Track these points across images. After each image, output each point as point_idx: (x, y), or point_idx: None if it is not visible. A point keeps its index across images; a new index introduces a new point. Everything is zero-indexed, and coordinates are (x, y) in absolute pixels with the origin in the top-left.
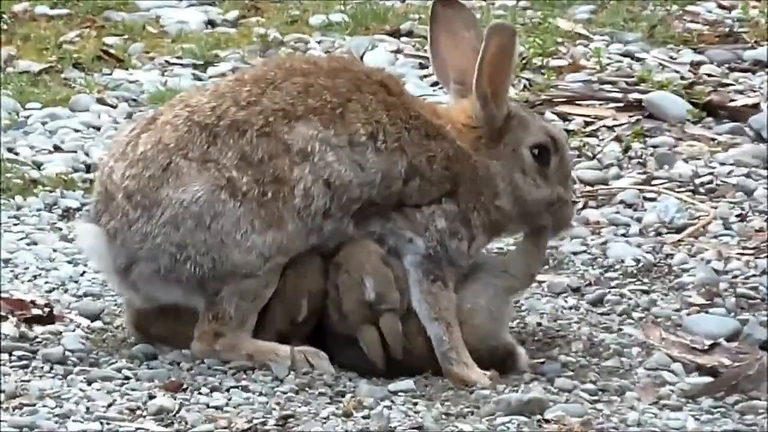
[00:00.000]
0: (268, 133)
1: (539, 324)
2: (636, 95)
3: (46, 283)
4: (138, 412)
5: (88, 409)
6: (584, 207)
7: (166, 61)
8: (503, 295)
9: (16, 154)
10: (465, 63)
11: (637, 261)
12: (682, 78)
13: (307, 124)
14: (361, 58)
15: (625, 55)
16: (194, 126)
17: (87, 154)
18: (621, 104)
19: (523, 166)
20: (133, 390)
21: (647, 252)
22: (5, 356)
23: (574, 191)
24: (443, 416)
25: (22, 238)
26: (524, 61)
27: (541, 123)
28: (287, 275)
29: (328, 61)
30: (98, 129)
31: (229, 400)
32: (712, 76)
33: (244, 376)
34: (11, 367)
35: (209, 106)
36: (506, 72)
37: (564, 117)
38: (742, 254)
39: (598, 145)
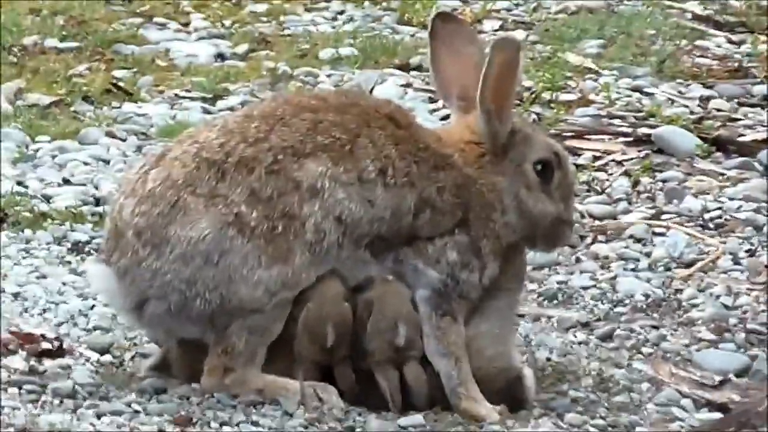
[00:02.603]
0: (278, 171)
1: (548, 359)
2: (645, 130)
3: (56, 316)
4: None
5: None
6: (593, 241)
7: (176, 95)
8: (507, 313)
9: (26, 187)
10: (467, 78)
11: (647, 296)
12: (691, 113)
13: (316, 161)
14: (371, 92)
15: (634, 89)
16: (203, 162)
17: (96, 188)
18: (630, 139)
19: (528, 182)
20: (142, 424)
21: (656, 287)
22: (15, 390)
23: (574, 210)
24: None
25: (31, 272)
26: (534, 96)
27: (545, 139)
28: (308, 306)
29: (336, 97)
30: (107, 162)
31: None
32: (721, 110)
33: (254, 411)
34: (21, 401)
35: (218, 142)
36: (510, 87)
37: (573, 151)
38: (752, 290)
39: (607, 180)
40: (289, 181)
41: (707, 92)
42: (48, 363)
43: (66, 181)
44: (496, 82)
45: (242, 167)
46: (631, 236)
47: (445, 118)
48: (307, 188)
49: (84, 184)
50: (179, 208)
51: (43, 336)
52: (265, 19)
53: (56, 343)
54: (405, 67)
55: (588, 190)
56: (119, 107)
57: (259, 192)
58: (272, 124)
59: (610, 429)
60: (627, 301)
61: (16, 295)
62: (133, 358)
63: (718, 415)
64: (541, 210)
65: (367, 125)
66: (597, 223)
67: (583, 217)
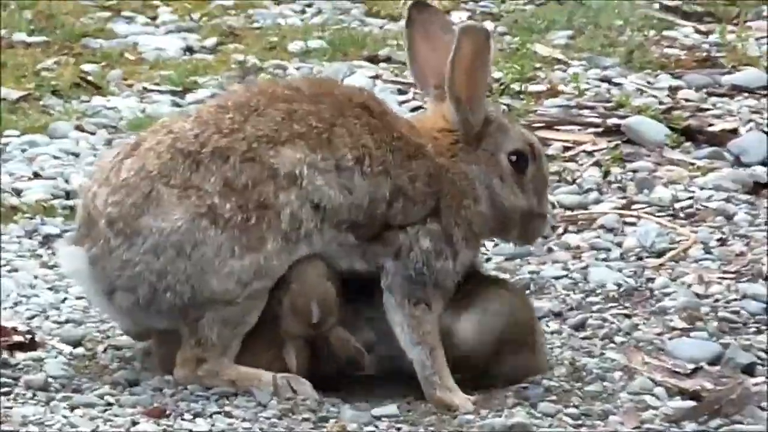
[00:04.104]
0: (252, 158)
1: None
2: (615, 120)
3: (27, 309)
4: None
5: None
6: (564, 232)
7: (145, 88)
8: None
9: None
10: (443, 67)
11: (619, 285)
12: (661, 103)
13: (293, 148)
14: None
15: (603, 80)
16: (177, 153)
17: (67, 181)
18: (600, 129)
19: (501, 172)
20: (116, 416)
21: (628, 276)
22: None
23: (548, 203)
24: None
25: (2, 265)
26: (503, 87)
27: (521, 130)
28: (292, 288)
29: (309, 86)
30: (77, 156)
31: (213, 426)
32: (690, 101)
33: (227, 402)
34: None
35: (192, 133)
36: (480, 75)
37: (543, 142)
38: (723, 278)
39: (578, 170)
40: (264, 168)
41: (676, 82)
42: (20, 356)
43: (36, 175)
44: (465, 69)
45: (217, 157)
46: (602, 226)
47: (416, 109)
48: (284, 175)
49: (54, 178)
50: (152, 199)
51: (14, 329)
52: (233, 12)
53: (28, 336)
54: (374, 59)
55: (559, 181)
56: (88, 101)
57: (233, 181)
58: (247, 115)
59: (583, 418)
60: (599, 291)
61: None
62: (105, 350)
63: (691, 403)
64: (513, 202)
65: (342, 115)
66: (568, 213)
67: (554, 207)
